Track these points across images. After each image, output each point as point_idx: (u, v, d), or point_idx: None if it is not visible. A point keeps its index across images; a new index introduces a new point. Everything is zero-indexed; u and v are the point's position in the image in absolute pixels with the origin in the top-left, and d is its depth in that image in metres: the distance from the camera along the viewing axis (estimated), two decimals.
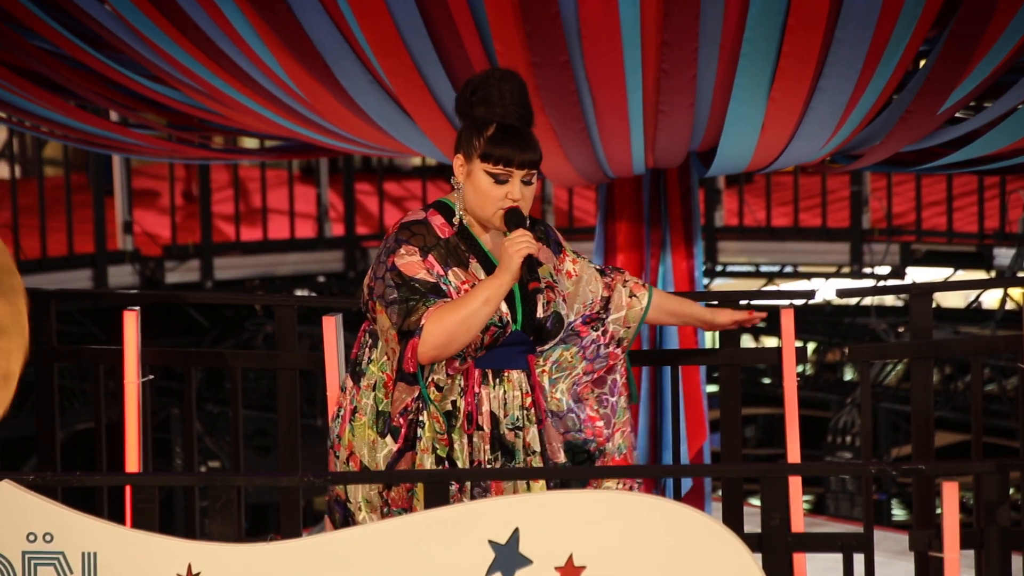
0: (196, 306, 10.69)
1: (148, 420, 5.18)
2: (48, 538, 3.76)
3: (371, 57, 5.40)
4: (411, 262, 4.06)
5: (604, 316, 4.35)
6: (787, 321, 5.05)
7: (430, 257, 4.07)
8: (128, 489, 4.60)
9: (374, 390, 4.13)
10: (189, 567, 3.71)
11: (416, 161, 11.78)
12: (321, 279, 10.78)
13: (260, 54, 5.56)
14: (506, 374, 4.13)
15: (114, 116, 8.54)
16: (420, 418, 4.08)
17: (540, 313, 4.15)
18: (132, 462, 5.10)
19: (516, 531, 3.62)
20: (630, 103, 5.42)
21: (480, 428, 4.09)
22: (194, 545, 3.74)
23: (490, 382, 4.11)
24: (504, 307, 4.09)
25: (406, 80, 5.41)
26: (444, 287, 4.05)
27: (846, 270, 10.85)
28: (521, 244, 4.00)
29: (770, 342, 11.22)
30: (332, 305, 5.26)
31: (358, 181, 11.03)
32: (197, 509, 5.57)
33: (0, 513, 3.77)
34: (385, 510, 4.09)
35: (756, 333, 11.29)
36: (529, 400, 4.15)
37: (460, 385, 4.09)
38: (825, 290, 10.88)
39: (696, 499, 6.14)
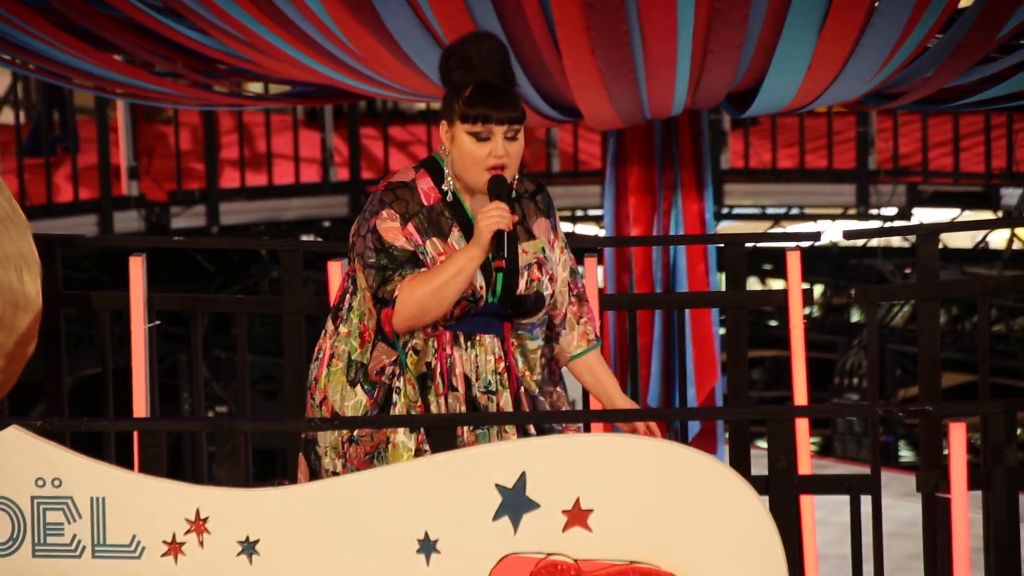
0: (202, 251, 10.69)
1: (155, 365, 5.18)
2: (57, 483, 3.77)
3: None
4: (391, 227, 4.04)
5: (552, 339, 4.26)
6: (793, 263, 5.05)
7: (409, 226, 4.04)
8: (136, 434, 4.61)
9: (350, 337, 4.13)
10: (197, 511, 3.72)
11: (421, 105, 11.75)
12: (326, 224, 10.78)
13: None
14: (478, 337, 4.09)
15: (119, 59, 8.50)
16: (396, 384, 4.07)
17: (522, 289, 4.11)
18: (139, 407, 5.11)
19: (523, 475, 3.63)
20: (680, 43, 5.39)
21: (454, 389, 4.07)
22: (202, 490, 3.74)
23: (462, 344, 4.08)
24: (480, 280, 4.05)
25: (455, 22, 5.38)
26: (421, 256, 4.03)
27: (852, 211, 10.83)
28: (492, 218, 3.96)
29: (776, 284, 11.22)
30: (337, 250, 5.26)
31: (363, 125, 11.01)
32: (205, 454, 5.58)
33: (8, 458, 3.78)
34: (342, 462, 4.09)
35: (763, 275, 11.29)
36: (503, 365, 4.12)
37: (433, 346, 4.08)
38: (831, 232, 10.87)
39: (708, 441, 6.14)
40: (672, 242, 6.21)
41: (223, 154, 10.65)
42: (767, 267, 11.66)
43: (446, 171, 4.11)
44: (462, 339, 4.09)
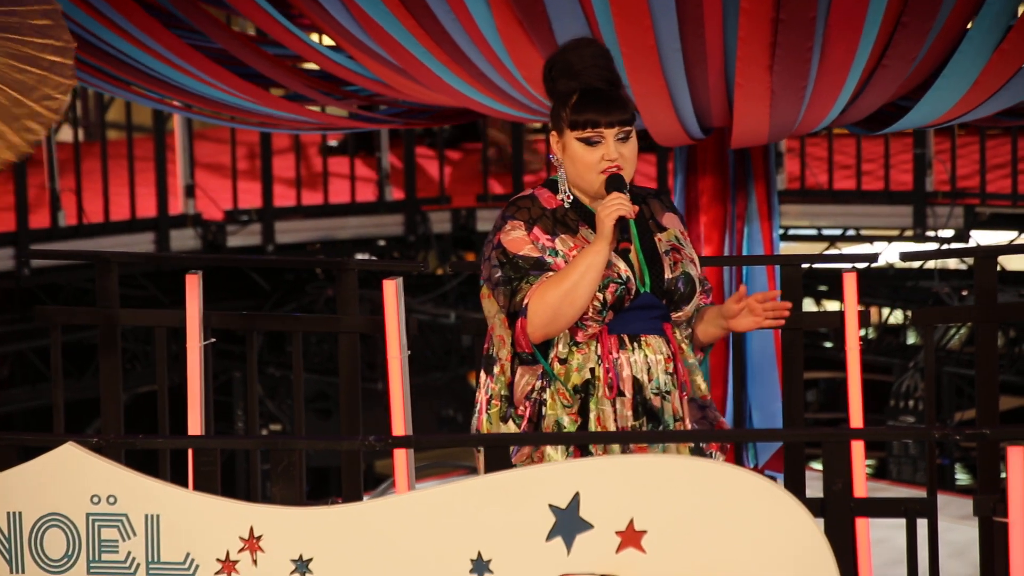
0: (258, 270, 10.73)
1: (210, 383, 5.20)
2: (112, 500, 3.78)
3: (604, 16, 5.37)
4: (516, 237, 4.04)
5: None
6: (849, 284, 5.02)
7: (536, 229, 4.04)
8: (190, 452, 4.62)
9: (502, 375, 4.09)
10: (251, 529, 3.73)
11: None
12: (381, 243, 10.79)
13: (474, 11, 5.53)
14: (643, 338, 4.06)
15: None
16: (543, 396, 4.03)
17: (668, 274, 4.09)
18: (194, 425, 5.13)
19: (577, 495, 3.62)
20: (856, 58, 5.37)
21: (622, 394, 4.03)
22: (256, 508, 3.75)
23: (628, 346, 4.05)
24: (623, 266, 4.04)
25: (639, 45, 5.36)
26: (550, 259, 4.02)
27: (909, 233, 10.76)
28: (612, 207, 3.96)
29: (832, 306, 11.16)
30: (393, 269, 5.27)
31: (418, 145, 11.02)
32: (259, 472, 5.59)
33: (64, 475, 3.79)
34: None
35: (818, 297, 11.24)
36: (672, 365, 4.09)
37: (596, 353, 4.04)
38: (888, 253, 10.81)
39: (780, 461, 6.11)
40: (730, 263, 6.20)
41: (278, 172, 10.69)
42: (823, 288, 11.61)
43: (561, 183, 4.09)
44: (627, 341, 4.05)
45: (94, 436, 3.87)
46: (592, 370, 4.04)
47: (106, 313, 5.35)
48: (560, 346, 4.05)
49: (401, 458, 4.81)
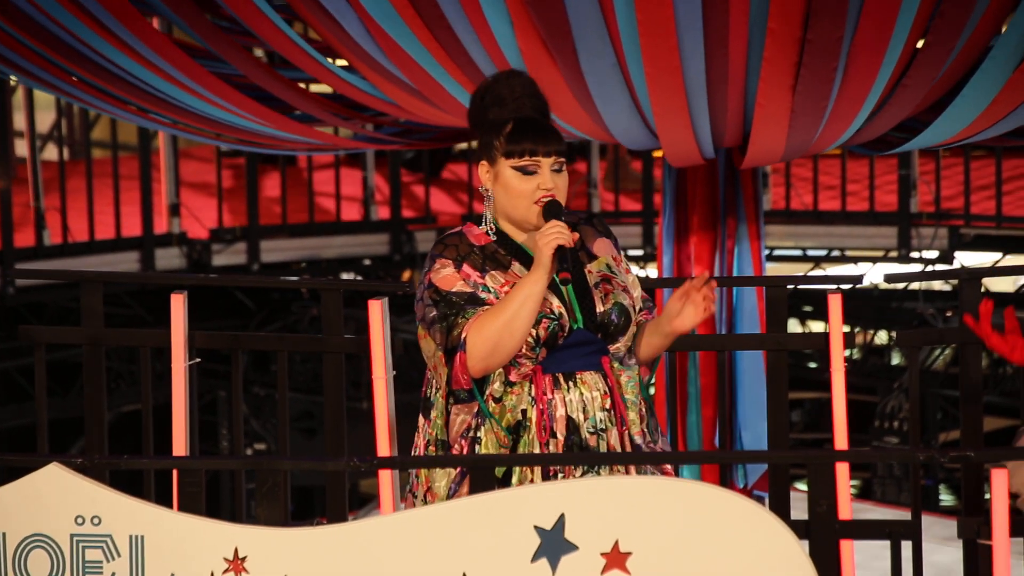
0: (243, 289, 10.72)
1: (195, 403, 5.19)
2: (96, 521, 3.77)
3: (629, 35, 5.35)
4: (446, 275, 3.96)
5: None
6: (834, 305, 5.03)
7: (465, 266, 3.97)
8: (175, 472, 4.62)
9: (438, 419, 4.04)
10: (236, 550, 3.72)
11: (462, 145, 11.77)
12: (367, 262, 10.79)
13: (495, 27, 5.51)
14: (579, 375, 3.98)
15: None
16: (478, 435, 3.97)
17: (600, 307, 4.01)
18: (179, 445, 5.12)
19: (562, 516, 3.62)
20: (878, 78, 5.37)
21: (555, 435, 3.95)
22: (241, 528, 3.74)
23: (562, 386, 3.97)
24: (555, 301, 3.96)
25: (665, 65, 5.35)
26: (483, 295, 3.94)
27: (894, 254, 10.78)
28: (551, 235, 3.88)
29: (817, 327, 11.17)
30: (378, 289, 5.26)
31: (404, 164, 11.03)
32: (243, 492, 5.58)
33: (48, 496, 3.79)
34: None
35: (803, 318, 11.24)
36: (608, 401, 3.99)
37: (529, 394, 3.97)
38: (873, 274, 10.82)
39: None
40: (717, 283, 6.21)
41: (264, 191, 10.69)
42: (807, 309, 11.62)
43: (487, 215, 4.03)
44: (562, 380, 3.97)
45: (78, 456, 3.87)
46: (524, 411, 3.96)
47: (91, 333, 5.35)
48: (496, 384, 3.97)
49: (386, 479, 4.81)
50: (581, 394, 3.99)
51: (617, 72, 5.52)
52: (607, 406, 4.00)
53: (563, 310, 3.98)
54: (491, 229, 4.04)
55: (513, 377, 3.98)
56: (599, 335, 4.02)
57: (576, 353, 3.99)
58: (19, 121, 10.56)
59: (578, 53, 5.46)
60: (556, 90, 5.62)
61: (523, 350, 3.95)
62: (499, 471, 3.94)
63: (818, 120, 5.59)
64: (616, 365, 4.05)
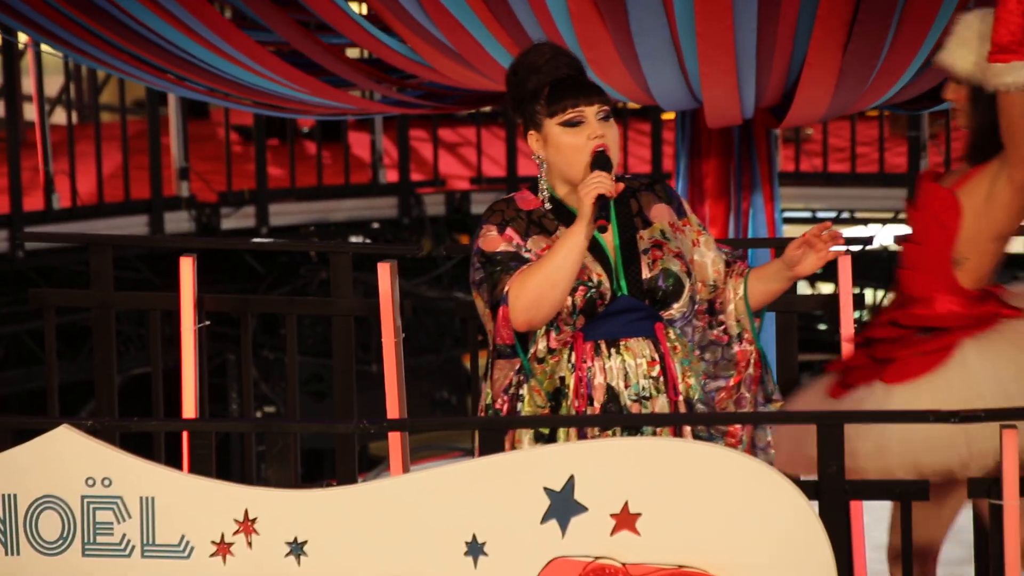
0: (252, 252, 10.72)
1: (204, 366, 5.20)
2: (107, 482, 3.78)
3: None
4: (490, 238, 3.97)
5: (719, 311, 4.16)
6: (844, 267, 5.02)
7: (508, 229, 3.96)
8: (185, 434, 4.62)
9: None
10: (246, 512, 3.73)
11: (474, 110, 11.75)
12: (375, 225, 10.79)
13: None
14: (623, 342, 3.95)
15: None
16: (520, 391, 3.97)
17: (646, 273, 3.97)
18: (189, 408, 5.12)
19: (571, 478, 3.62)
20: (928, 37, 5.34)
21: (591, 403, 3.94)
22: (251, 490, 3.75)
23: (603, 353, 3.95)
24: (597, 268, 3.94)
25: (717, 24, 5.32)
26: (526, 254, 3.94)
27: (903, 216, 10.77)
28: (591, 185, 3.85)
29: (826, 288, 11.17)
30: (387, 252, 5.26)
31: (412, 127, 11.02)
32: (253, 454, 5.59)
33: (59, 458, 3.79)
34: None
35: (813, 279, 11.24)
36: (658, 368, 3.97)
37: (569, 361, 3.95)
38: (882, 236, 10.80)
39: None
40: (729, 245, 6.20)
41: (272, 155, 10.68)
42: (817, 271, 11.64)
43: (542, 183, 4.02)
44: (604, 347, 3.96)
45: (89, 419, 3.87)
46: (562, 378, 3.96)
47: (100, 296, 5.35)
48: (540, 344, 3.97)
49: (396, 441, 4.81)
50: (623, 361, 3.96)
51: (665, 30, 5.48)
52: (653, 373, 3.98)
53: (604, 278, 3.95)
54: (545, 196, 4.03)
55: (553, 344, 3.97)
56: (647, 301, 3.99)
57: (622, 320, 3.97)
58: (27, 85, 10.55)
59: (629, 15, 5.42)
60: (600, 49, 5.58)
61: (562, 314, 3.93)
62: (544, 432, 3.93)
63: (864, 80, 5.55)
64: (673, 331, 4.03)
